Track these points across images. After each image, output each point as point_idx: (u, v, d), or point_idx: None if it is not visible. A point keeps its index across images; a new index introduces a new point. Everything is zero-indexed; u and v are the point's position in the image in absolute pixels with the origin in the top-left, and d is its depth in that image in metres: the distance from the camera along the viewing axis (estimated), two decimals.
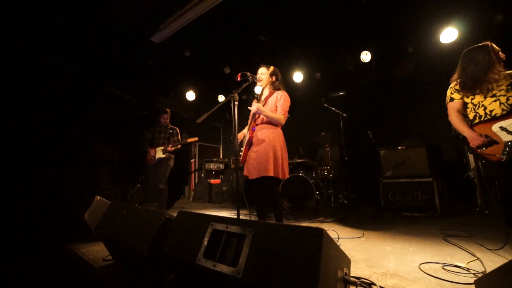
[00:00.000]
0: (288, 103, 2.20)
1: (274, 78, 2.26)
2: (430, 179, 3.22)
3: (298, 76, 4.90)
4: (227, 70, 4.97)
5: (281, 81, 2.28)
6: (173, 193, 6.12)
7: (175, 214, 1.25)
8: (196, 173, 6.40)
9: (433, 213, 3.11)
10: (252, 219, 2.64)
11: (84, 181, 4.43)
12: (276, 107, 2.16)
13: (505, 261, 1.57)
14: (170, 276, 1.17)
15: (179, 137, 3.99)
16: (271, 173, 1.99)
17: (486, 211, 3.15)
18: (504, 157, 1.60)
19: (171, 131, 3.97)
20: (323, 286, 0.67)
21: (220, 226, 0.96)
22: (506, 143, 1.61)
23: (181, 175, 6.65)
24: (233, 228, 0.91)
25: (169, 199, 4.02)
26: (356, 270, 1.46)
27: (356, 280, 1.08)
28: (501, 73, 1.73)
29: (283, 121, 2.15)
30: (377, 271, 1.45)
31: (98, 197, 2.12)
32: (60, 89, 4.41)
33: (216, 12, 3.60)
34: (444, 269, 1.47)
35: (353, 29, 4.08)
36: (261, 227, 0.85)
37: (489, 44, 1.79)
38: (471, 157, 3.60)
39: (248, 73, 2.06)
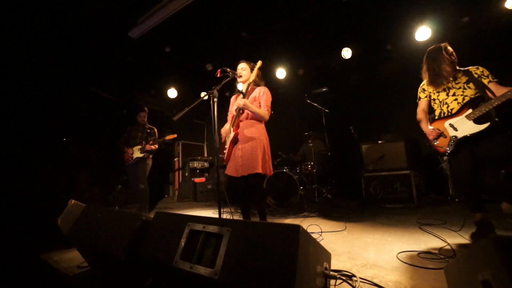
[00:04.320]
0: (270, 98, 2.20)
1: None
2: (408, 172, 3.35)
3: (281, 73, 4.91)
4: (210, 67, 4.88)
5: (261, 77, 2.26)
6: (157, 193, 5.99)
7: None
8: (180, 172, 6.27)
9: (410, 204, 3.25)
10: (235, 217, 2.62)
11: (60, 185, 4.20)
12: (259, 103, 2.14)
13: (468, 242, 1.72)
14: (149, 280, 1.13)
15: (157, 137, 3.86)
16: (260, 170, 1.98)
17: (457, 200, 3.33)
18: (448, 149, 1.89)
19: (149, 130, 3.81)
20: (301, 283, 0.66)
21: (198, 226, 0.93)
22: (451, 137, 1.88)
23: (164, 175, 6.50)
24: (210, 228, 0.89)
25: (153, 199, 3.91)
26: (338, 263, 1.48)
27: (336, 273, 1.09)
28: (456, 72, 1.94)
29: (267, 117, 2.14)
30: (357, 263, 1.48)
31: (73, 200, 2.01)
32: (32, 87, 4.14)
33: (197, 7, 3.51)
34: (419, 256, 1.53)
35: (334, 26, 4.13)
36: (239, 225, 0.83)
37: (443, 45, 1.99)
38: None
39: (228, 69, 2.02)
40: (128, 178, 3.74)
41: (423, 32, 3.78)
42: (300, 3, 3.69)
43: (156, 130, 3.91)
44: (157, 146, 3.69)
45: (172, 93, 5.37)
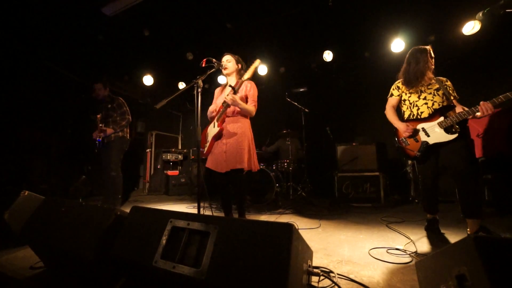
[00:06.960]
0: (257, 93, 2.17)
1: (240, 66, 2.19)
2: (377, 173, 3.56)
3: (262, 69, 4.89)
4: (190, 56, 4.68)
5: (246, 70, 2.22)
6: (128, 185, 5.63)
7: (128, 210, 1.11)
8: (152, 164, 5.97)
9: (378, 203, 3.46)
10: (214, 212, 2.56)
11: (9, 173, 3.70)
12: (246, 97, 2.10)
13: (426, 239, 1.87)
14: (121, 280, 1.03)
15: (127, 109, 3.13)
16: (245, 166, 1.94)
17: (416, 201, 3.64)
18: (419, 154, 1.93)
19: (109, 105, 3.09)
20: (292, 282, 0.65)
21: (181, 223, 0.87)
22: (422, 142, 1.92)
23: (135, 166, 6.13)
24: (195, 225, 0.84)
25: (125, 191, 3.47)
26: (315, 260, 1.51)
27: (318, 270, 1.11)
28: (433, 78, 2.01)
29: (254, 113, 2.12)
30: (333, 259, 1.53)
31: (26, 192, 1.77)
32: None
33: None
34: (388, 252, 1.63)
35: (318, 28, 4.20)
36: (227, 223, 0.79)
37: (429, 48, 2.03)
38: None
39: (213, 59, 1.94)
40: (101, 163, 3.16)
41: (398, 44, 4.03)
42: (287, 1, 3.68)
43: (121, 101, 3.19)
44: (123, 123, 3.09)
45: (148, 80, 5.06)
